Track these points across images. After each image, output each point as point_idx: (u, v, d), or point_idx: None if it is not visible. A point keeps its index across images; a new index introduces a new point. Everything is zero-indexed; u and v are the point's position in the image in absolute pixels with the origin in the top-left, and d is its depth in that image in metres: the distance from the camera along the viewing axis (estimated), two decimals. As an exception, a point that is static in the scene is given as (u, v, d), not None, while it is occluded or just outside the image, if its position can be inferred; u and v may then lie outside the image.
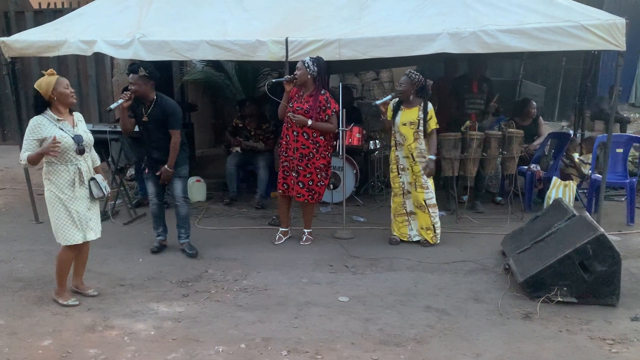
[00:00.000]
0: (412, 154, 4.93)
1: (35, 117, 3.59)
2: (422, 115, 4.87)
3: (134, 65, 4.49)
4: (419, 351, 3.14)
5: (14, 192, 7.23)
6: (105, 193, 3.80)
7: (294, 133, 4.84)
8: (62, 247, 3.71)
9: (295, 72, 4.78)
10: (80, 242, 3.70)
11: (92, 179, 3.75)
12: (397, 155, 5.04)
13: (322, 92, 4.84)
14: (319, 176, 4.94)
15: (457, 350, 3.15)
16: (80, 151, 3.65)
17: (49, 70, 3.65)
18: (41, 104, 3.59)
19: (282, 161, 5.02)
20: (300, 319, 3.55)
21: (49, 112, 3.61)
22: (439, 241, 5.02)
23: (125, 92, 4.48)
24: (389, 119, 5.00)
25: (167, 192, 5.13)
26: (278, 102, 4.98)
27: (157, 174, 4.64)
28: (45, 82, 3.57)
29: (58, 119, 3.60)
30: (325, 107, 4.82)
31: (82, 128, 3.76)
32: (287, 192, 5.03)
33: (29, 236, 5.33)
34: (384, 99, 4.94)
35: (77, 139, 3.62)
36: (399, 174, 5.05)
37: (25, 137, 3.55)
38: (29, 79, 8.54)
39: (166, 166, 4.58)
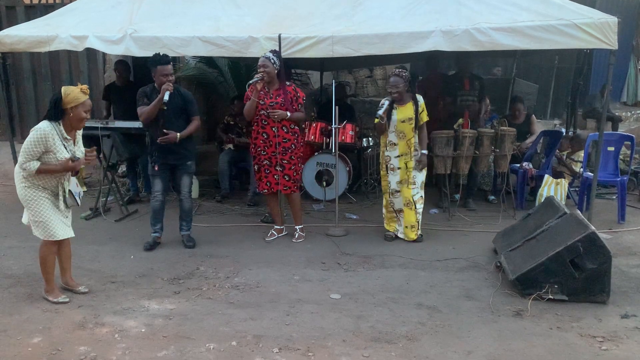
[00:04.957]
0: (410, 150, 4.92)
1: (44, 126, 3.45)
2: (416, 110, 4.87)
3: None
4: (410, 348, 3.15)
5: (4, 188, 7.16)
6: (79, 203, 3.82)
7: (273, 129, 4.80)
8: (42, 242, 3.69)
9: (262, 70, 4.64)
10: (63, 237, 3.68)
11: (69, 191, 3.71)
12: (388, 156, 5.03)
13: (288, 83, 4.85)
14: (300, 165, 5.13)
15: (449, 347, 3.16)
16: (74, 172, 3.65)
17: (84, 86, 3.55)
18: (58, 110, 3.48)
19: (260, 160, 4.93)
20: (292, 316, 3.54)
21: (61, 125, 3.50)
22: (420, 232, 5.04)
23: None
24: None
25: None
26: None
27: (164, 138, 4.58)
28: (75, 94, 3.48)
29: (65, 138, 3.54)
30: (297, 97, 4.84)
31: (81, 148, 3.72)
32: (270, 190, 5.01)
33: (19, 233, 5.27)
34: (384, 107, 4.80)
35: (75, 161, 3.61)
36: (387, 173, 5.07)
37: (28, 144, 3.43)
38: (20, 74, 8.48)
39: (178, 134, 4.63)
